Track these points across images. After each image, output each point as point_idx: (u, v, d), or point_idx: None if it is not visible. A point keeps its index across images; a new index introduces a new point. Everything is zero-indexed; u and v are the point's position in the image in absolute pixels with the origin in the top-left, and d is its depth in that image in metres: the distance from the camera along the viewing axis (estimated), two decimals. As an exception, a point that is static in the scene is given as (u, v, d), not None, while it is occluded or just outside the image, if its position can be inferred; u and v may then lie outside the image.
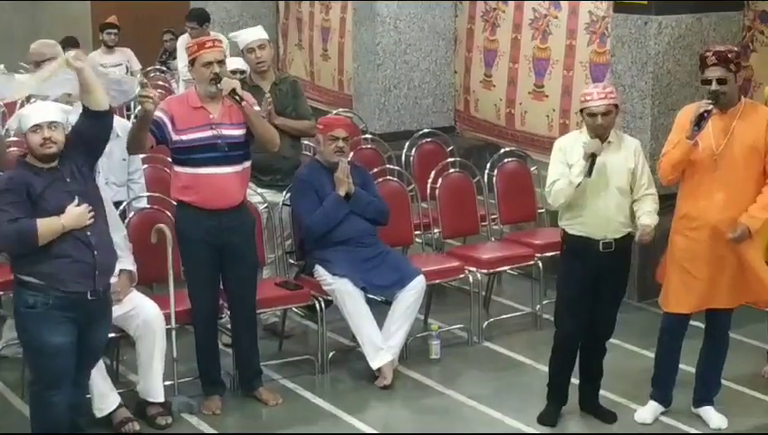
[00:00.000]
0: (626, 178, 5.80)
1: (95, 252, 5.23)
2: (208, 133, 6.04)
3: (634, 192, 5.83)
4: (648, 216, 5.79)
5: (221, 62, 6.06)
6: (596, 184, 5.73)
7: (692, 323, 6.06)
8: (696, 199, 5.79)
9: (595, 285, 5.84)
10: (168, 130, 6.04)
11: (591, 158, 5.65)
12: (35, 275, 5.17)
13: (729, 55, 5.66)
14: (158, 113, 6.00)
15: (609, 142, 5.76)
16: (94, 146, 5.38)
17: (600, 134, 5.73)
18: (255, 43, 7.27)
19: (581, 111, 5.80)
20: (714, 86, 5.67)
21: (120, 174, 6.83)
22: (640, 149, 5.95)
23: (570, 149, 5.81)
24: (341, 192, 6.72)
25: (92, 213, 5.22)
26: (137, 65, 11.96)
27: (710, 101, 5.63)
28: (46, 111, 5.27)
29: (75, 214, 5.17)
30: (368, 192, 6.90)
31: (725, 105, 5.73)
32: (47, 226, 5.12)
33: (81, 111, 5.36)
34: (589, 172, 5.65)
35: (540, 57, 9.90)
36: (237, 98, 5.97)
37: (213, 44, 6.08)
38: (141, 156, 7.10)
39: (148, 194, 6.89)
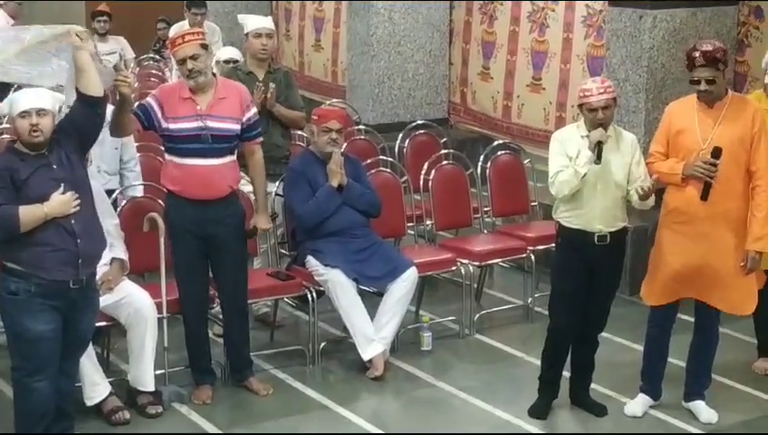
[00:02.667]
0: (623, 173, 5.80)
1: (78, 240, 5.19)
2: (194, 124, 6.03)
3: (629, 184, 5.82)
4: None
5: (194, 57, 6.01)
6: (594, 178, 5.73)
7: (682, 317, 6.08)
8: (683, 194, 5.78)
9: (590, 278, 5.84)
10: (157, 116, 6.04)
11: (598, 145, 5.66)
12: (18, 262, 5.15)
13: (717, 55, 5.63)
14: (149, 99, 6.08)
15: (608, 137, 5.75)
16: (87, 134, 5.35)
17: (602, 126, 5.72)
18: (265, 31, 7.30)
19: (580, 106, 5.80)
20: (703, 86, 5.68)
21: (111, 162, 6.82)
22: (637, 143, 5.95)
23: (568, 142, 5.81)
24: (334, 183, 6.71)
25: (78, 201, 5.19)
26: (130, 53, 11.93)
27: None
28: (37, 97, 5.23)
29: (59, 202, 5.14)
30: (360, 184, 6.88)
31: (712, 100, 5.74)
32: (29, 213, 5.09)
33: (73, 98, 5.34)
34: (598, 158, 5.65)
35: (538, 50, 9.90)
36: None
37: (183, 40, 6.05)
38: (135, 144, 7.11)
39: (141, 183, 6.88)
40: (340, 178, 6.71)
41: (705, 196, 5.67)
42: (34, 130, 5.15)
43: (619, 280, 6.10)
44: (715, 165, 5.61)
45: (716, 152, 5.61)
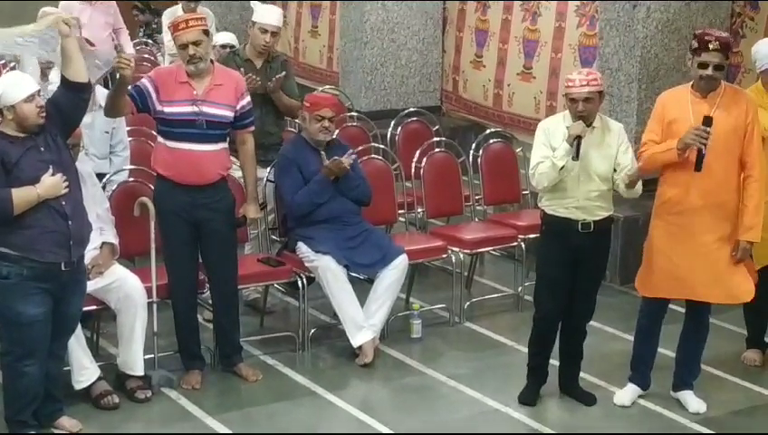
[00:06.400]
0: (608, 165, 5.78)
1: (70, 222, 5.21)
2: (189, 109, 6.01)
3: (616, 173, 5.81)
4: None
5: (197, 43, 5.98)
6: (577, 171, 5.71)
7: (672, 307, 6.08)
8: (677, 185, 5.78)
9: (574, 266, 5.84)
10: (152, 99, 6.02)
11: (577, 140, 5.64)
12: (10, 247, 5.15)
13: (729, 43, 5.68)
14: (144, 81, 6.05)
15: (593, 127, 5.74)
16: (70, 117, 5.37)
17: (583, 118, 5.71)
18: (271, 28, 7.23)
19: (564, 95, 5.79)
20: (711, 71, 5.65)
21: (101, 146, 6.80)
22: (624, 132, 5.93)
23: (553, 132, 5.79)
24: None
25: (67, 183, 5.20)
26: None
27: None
28: (32, 80, 5.27)
29: (50, 183, 5.15)
30: (351, 170, 6.86)
31: (708, 90, 5.73)
32: (22, 195, 5.10)
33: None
34: (576, 155, 5.64)
35: (530, 39, 9.89)
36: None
37: (186, 25, 6.01)
38: (128, 127, 7.09)
39: (131, 167, 6.85)
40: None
41: (698, 166, 5.61)
42: (42, 112, 5.17)
43: (605, 268, 6.11)
44: (707, 132, 5.58)
45: (707, 120, 5.58)
